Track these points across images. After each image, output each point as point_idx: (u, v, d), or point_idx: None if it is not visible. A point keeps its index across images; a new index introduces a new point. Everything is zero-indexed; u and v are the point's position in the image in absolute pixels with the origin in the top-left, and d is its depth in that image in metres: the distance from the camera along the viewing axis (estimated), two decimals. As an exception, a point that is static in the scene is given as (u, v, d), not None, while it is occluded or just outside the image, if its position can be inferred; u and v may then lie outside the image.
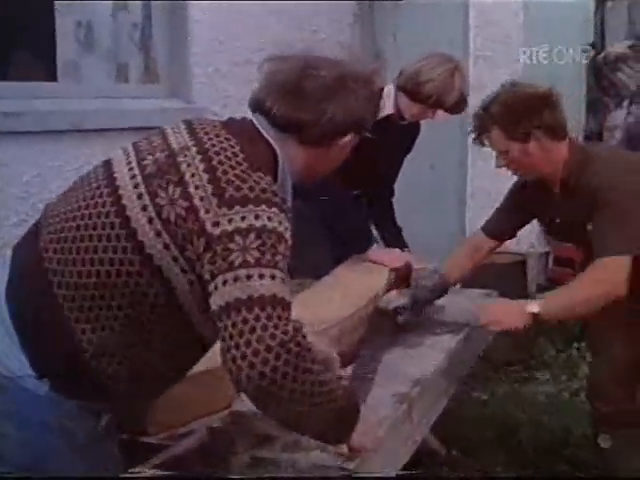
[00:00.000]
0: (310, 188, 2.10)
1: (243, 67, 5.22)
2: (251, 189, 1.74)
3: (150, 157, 1.83)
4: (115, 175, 1.84)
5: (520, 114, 2.77)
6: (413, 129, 3.86)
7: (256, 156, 1.83)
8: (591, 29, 5.35)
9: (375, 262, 3.47)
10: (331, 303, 3.04)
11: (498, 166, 2.93)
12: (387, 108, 3.66)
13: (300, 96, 1.89)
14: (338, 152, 2.00)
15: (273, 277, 1.68)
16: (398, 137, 3.73)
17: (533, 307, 2.73)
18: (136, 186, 1.78)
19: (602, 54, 5.23)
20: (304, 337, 1.69)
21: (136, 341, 1.79)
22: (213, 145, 1.83)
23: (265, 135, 1.90)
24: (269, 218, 1.72)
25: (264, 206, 1.73)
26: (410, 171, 4.02)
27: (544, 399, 4.20)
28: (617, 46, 5.21)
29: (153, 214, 1.74)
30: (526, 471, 3.44)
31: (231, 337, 1.64)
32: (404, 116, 3.62)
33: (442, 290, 3.21)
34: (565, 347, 4.83)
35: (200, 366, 2.21)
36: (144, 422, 2.17)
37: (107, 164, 1.90)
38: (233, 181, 1.75)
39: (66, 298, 1.77)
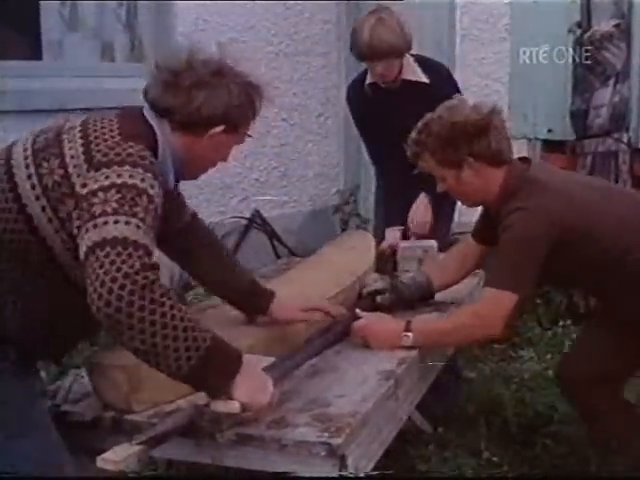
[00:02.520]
0: None
1: (228, 46, 5.19)
2: (117, 154, 1.97)
3: (43, 135, 2.09)
4: (12, 151, 2.09)
5: (449, 143, 2.71)
6: (419, 90, 3.73)
7: (131, 131, 2.05)
8: (577, 8, 5.34)
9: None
10: (316, 283, 3.06)
11: (439, 190, 2.88)
12: (370, 77, 3.72)
13: (174, 84, 2.10)
14: (212, 144, 2.17)
15: (128, 223, 1.86)
16: (407, 101, 3.65)
17: (406, 340, 2.66)
18: (26, 158, 2.04)
19: (588, 33, 5.22)
20: (157, 277, 1.83)
21: (27, 297, 2.01)
22: (95, 125, 2.06)
23: (146, 115, 2.12)
24: (131, 176, 1.92)
25: (127, 166, 1.94)
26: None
27: (529, 377, 4.20)
28: (603, 25, 5.20)
29: (35, 181, 1.99)
30: (510, 447, 3.46)
31: (89, 277, 1.81)
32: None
33: (424, 294, 3.13)
34: (550, 325, 4.85)
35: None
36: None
37: (11, 144, 2.15)
38: (102, 150, 1.98)
39: None
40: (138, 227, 1.86)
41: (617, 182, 5.09)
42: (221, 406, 1.99)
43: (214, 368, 1.91)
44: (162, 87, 2.12)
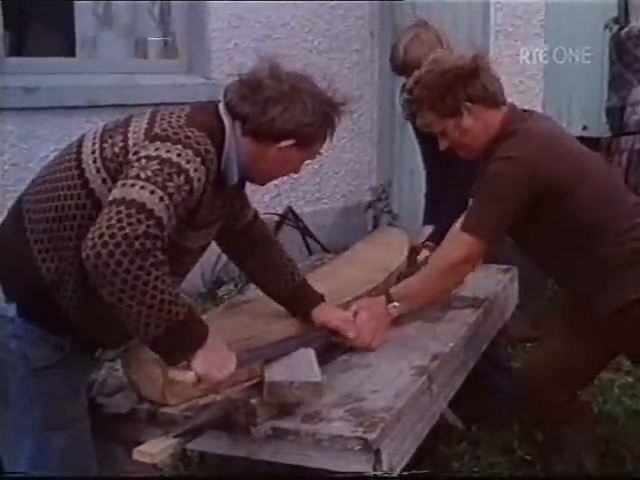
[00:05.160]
0: None
1: (262, 42, 5.21)
2: (175, 133, 2.04)
3: (117, 119, 2.19)
4: (87, 133, 2.19)
5: (445, 91, 2.70)
6: None
7: (198, 120, 2.10)
8: (614, 4, 5.27)
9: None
10: (350, 279, 3.06)
11: (443, 148, 2.85)
12: None
13: (252, 93, 2.14)
14: (280, 157, 2.19)
15: (153, 192, 1.92)
16: None
17: (394, 311, 2.72)
18: (94, 137, 2.13)
19: (625, 29, 5.16)
20: (156, 247, 1.88)
21: (87, 277, 1.97)
22: (165, 110, 2.15)
23: (220, 111, 2.16)
24: (178, 155, 1.99)
25: (179, 146, 2.01)
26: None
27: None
28: (641, 21, 5.14)
29: (97, 154, 2.07)
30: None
31: (94, 225, 1.88)
32: None
33: None
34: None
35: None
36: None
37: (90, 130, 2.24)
38: (163, 126, 2.07)
39: (33, 231, 2.09)
40: (161, 199, 1.92)
41: (653, 180, 5.03)
42: (178, 375, 2.06)
43: (177, 341, 1.97)
44: (240, 93, 2.16)
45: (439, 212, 3.72)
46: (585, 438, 3.06)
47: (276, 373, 2.17)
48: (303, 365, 2.24)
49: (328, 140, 2.29)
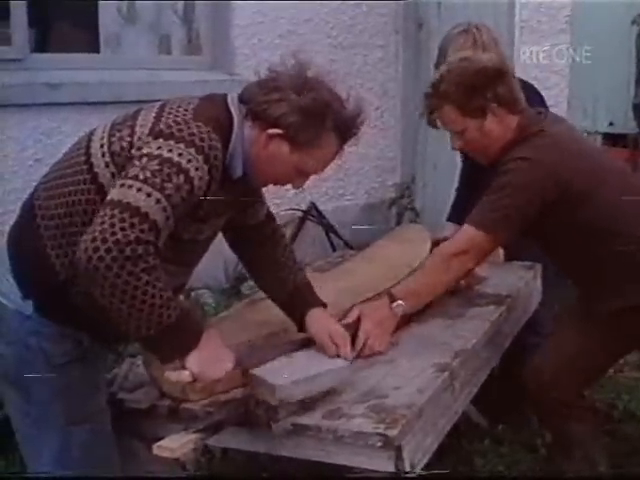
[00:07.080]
0: None
1: (286, 38, 5.20)
2: (180, 130, 2.02)
3: (125, 114, 2.18)
4: (96, 127, 2.18)
5: (474, 89, 2.69)
6: None
7: (205, 112, 2.10)
8: (641, -1, 5.25)
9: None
10: (371, 275, 3.05)
11: (454, 148, 2.85)
12: None
13: (266, 80, 2.18)
14: (271, 149, 2.14)
15: (149, 195, 1.92)
16: None
17: (399, 310, 2.66)
18: (103, 132, 2.13)
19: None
20: (147, 253, 1.87)
21: None
22: (173, 103, 2.14)
23: (228, 101, 2.17)
24: (180, 154, 1.98)
25: (182, 144, 2.00)
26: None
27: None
28: (668, 16, 5.11)
29: (106, 148, 2.07)
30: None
31: (91, 226, 1.89)
32: None
33: None
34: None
35: (242, 336, 2.24)
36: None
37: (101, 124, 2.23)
38: (169, 122, 2.05)
39: (46, 227, 2.09)
40: (158, 201, 1.92)
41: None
42: (173, 374, 2.06)
43: (168, 343, 1.98)
44: (256, 82, 2.19)
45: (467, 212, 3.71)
46: (595, 435, 3.04)
47: (267, 368, 2.18)
48: (296, 366, 2.24)
49: (335, 155, 2.28)
